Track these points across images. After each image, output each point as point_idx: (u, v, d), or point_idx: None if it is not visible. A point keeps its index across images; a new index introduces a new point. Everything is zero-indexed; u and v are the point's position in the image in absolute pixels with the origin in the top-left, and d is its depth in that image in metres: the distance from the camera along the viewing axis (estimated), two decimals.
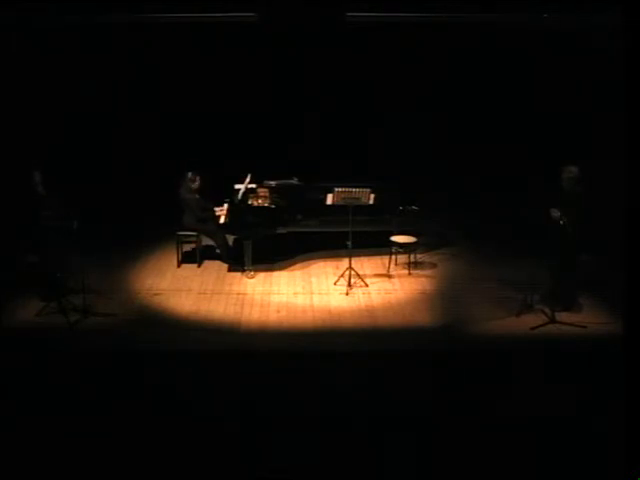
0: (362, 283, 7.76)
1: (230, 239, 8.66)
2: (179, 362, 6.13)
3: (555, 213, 6.69)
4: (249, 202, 8.39)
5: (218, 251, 8.50)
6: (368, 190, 7.52)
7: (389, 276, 8.14)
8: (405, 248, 8.15)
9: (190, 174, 8.17)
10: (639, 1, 5.02)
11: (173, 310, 7.21)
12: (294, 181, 8.81)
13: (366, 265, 8.44)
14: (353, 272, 7.74)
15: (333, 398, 5.50)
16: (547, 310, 6.93)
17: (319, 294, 7.63)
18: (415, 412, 5.33)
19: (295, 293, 7.67)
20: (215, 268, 8.36)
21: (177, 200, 8.19)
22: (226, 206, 8.43)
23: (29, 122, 8.92)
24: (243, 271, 8.11)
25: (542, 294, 7.19)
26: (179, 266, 8.38)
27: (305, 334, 6.71)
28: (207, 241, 8.56)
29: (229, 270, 8.28)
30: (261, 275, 8.14)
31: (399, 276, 8.13)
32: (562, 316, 6.86)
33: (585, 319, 6.91)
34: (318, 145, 9.82)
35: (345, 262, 7.92)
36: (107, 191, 9.24)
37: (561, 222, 6.63)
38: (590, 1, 7.79)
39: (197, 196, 8.22)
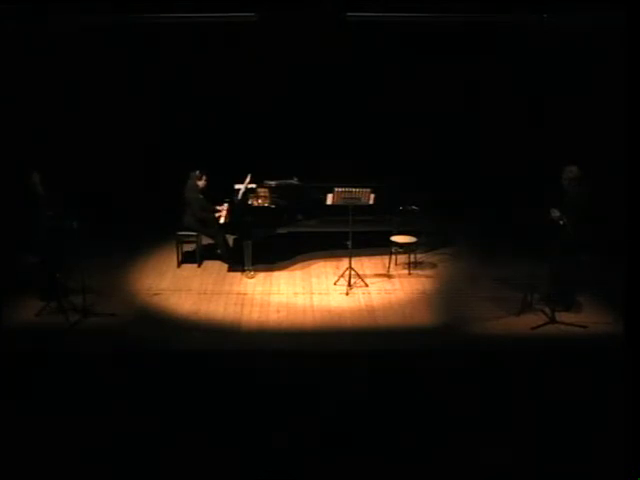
0: (362, 283, 7.76)
1: (230, 239, 8.67)
2: (179, 362, 6.13)
3: (555, 213, 6.69)
4: (249, 202, 8.39)
5: (218, 251, 8.51)
6: (368, 190, 7.51)
7: (389, 276, 8.14)
8: (405, 248, 8.15)
9: (197, 172, 8.18)
10: None
11: (173, 310, 7.21)
12: (294, 181, 8.81)
13: (366, 265, 8.44)
14: (353, 272, 7.74)
15: (333, 398, 5.50)
16: (547, 310, 6.93)
17: (319, 294, 7.62)
18: (415, 412, 5.33)
19: (295, 293, 7.67)
20: (215, 268, 8.36)
21: (179, 199, 8.19)
22: (226, 206, 8.43)
23: (28, 122, 8.93)
24: (243, 271, 8.11)
25: (542, 294, 7.19)
26: (179, 266, 8.38)
27: (305, 334, 6.71)
28: (207, 241, 8.56)
29: (229, 270, 8.28)
30: (261, 275, 8.14)
31: (399, 276, 8.13)
32: (562, 316, 6.86)
33: (585, 319, 6.91)
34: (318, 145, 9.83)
35: (345, 262, 7.92)
36: (107, 191, 9.24)
37: (561, 222, 6.64)
38: (592, 1, 7.79)
39: (201, 196, 8.23)
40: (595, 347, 6.40)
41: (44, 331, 6.67)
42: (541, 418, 5.23)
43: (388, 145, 10.00)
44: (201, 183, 8.22)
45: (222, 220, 8.23)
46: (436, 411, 5.35)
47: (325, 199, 7.56)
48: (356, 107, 9.92)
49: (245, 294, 7.62)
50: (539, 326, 6.74)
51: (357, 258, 8.20)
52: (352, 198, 7.52)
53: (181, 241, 8.39)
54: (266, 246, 8.32)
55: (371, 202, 7.55)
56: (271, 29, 9.08)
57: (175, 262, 8.39)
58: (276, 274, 8.23)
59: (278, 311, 7.20)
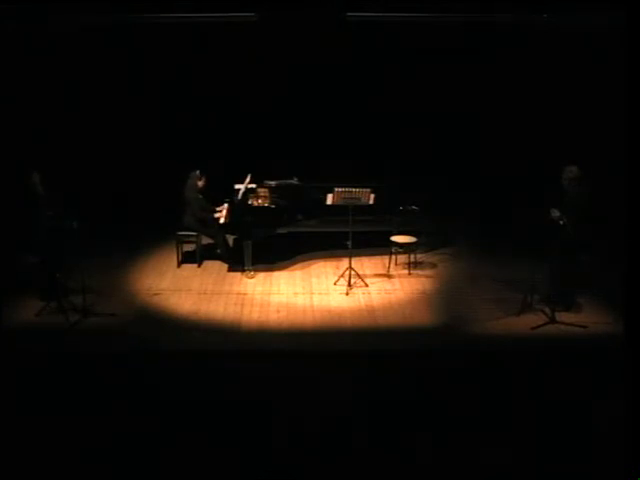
0: (362, 283, 7.76)
1: (230, 239, 8.67)
2: (179, 362, 6.13)
3: (555, 213, 6.70)
4: (249, 202, 8.39)
5: (218, 251, 8.51)
6: (368, 190, 7.51)
7: (389, 276, 8.14)
8: (405, 248, 8.15)
9: (197, 172, 8.20)
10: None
11: (173, 310, 7.21)
12: (294, 181, 8.81)
13: (366, 265, 8.44)
14: (353, 272, 7.74)
15: (333, 398, 5.50)
16: (547, 310, 6.93)
17: (319, 294, 7.62)
18: (415, 412, 5.33)
19: (295, 293, 7.67)
20: (215, 268, 8.36)
21: (179, 199, 8.19)
22: (226, 206, 8.43)
23: (28, 122, 8.93)
24: (243, 271, 8.11)
25: (542, 294, 7.19)
26: (179, 266, 8.38)
27: (305, 334, 6.71)
28: (207, 241, 8.56)
29: (229, 270, 8.28)
30: (261, 275, 8.14)
31: (399, 276, 8.13)
32: (562, 316, 6.86)
33: (585, 319, 6.91)
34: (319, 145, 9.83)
35: (345, 262, 7.92)
36: (107, 191, 9.25)
37: (561, 222, 6.64)
38: (591, 1, 7.80)
39: (200, 196, 8.24)
40: (595, 347, 6.40)
41: (44, 331, 6.67)
42: (541, 418, 5.23)
43: (388, 145, 9.99)
44: (201, 183, 8.23)
45: (222, 220, 8.23)
46: (436, 411, 5.35)
47: (325, 199, 7.56)
48: (356, 107, 9.91)
49: (245, 294, 7.62)
50: (539, 326, 6.74)
51: (357, 258, 8.20)
52: (352, 198, 7.52)
53: (181, 241, 8.39)
54: (266, 246, 8.32)
55: (371, 202, 7.55)
56: (271, 29, 9.08)
57: (175, 262, 8.39)
58: (276, 274, 8.23)
59: (278, 311, 7.20)
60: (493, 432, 5.10)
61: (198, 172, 8.21)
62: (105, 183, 9.30)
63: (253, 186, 8.58)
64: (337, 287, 7.77)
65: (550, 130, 9.33)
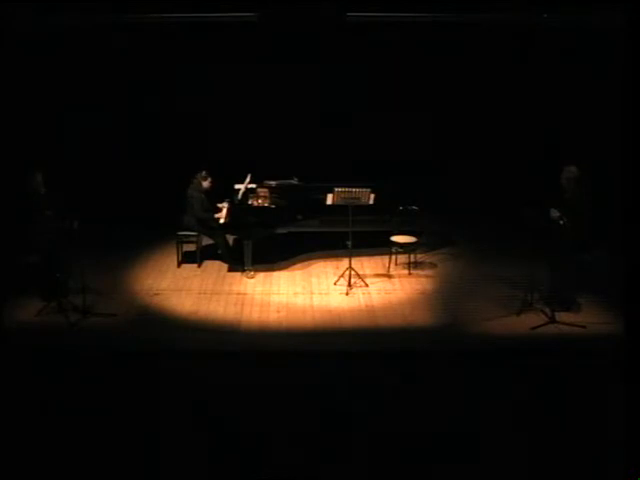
0: (362, 283, 7.76)
1: (230, 239, 8.67)
2: (179, 362, 6.13)
3: (555, 213, 6.70)
4: (249, 202, 8.39)
5: (219, 251, 8.51)
6: (368, 190, 7.52)
7: (389, 276, 8.14)
8: (405, 248, 8.15)
9: (203, 172, 8.20)
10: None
11: (173, 310, 7.21)
12: (294, 181, 8.81)
13: (366, 265, 8.44)
14: (353, 272, 7.74)
15: (333, 398, 5.50)
16: (547, 310, 6.93)
17: (319, 294, 7.62)
18: (414, 412, 5.34)
19: (295, 293, 7.67)
20: (215, 268, 8.36)
21: (179, 199, 8.19)
22: (226, 206, 8.43)
23: (29, 122, 8.93)
24: (243, 271, 8.11)
25: (542, 294, 7.19)
26: (179, 266, 8.38)
27: (305, 334, 6.71)
28: (207, 241, 8.56)
29: (229, 270, 8.28)
30: (261, 275, 8.14)
31: (399, 276, 8.13)
32: (562, 316, 6.86)
33: (585, 319, 6.90)
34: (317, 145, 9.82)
35: (345, 262, 7.92)
36: (107, 191, 9.25)
37: (561, 222, 6.64)
38: (591, 1, 7.81)
39: (203, 196, 8.24)
40: (595, 347, 6.40)
41: (44, 331, 6.67)
42: (541, 418, 5.23)
43: (388, 145, 9.98)
44: (205, 184, 8.24)
45: (222, 220, 8.23)
46: (436, 411, 5.35)
47: (325, 199, 7.56)
48: (355, 107, 9.90)
49: (245, 294, 7.62)
50: (539, 326, 6.74)
51: (357, 258, 8.20)
52: (352, 198, 7.52)
53: (181, 241, 8.39)
54: (266, 246, 8.32)
55: (371, 202, 7.56)
56: (271, 29, 9.08)
57: (175, 262, 8.39)
58: (276, 274, 8.23)
59: (278, 311, 7.20)
60: (493, 432, 5.09)
61: (204, 172, 8.22)
62: (105, 183, 9.30)
63: (253, 186, 8.58)
64: (337, 287, 7.77)
65: (550, 130, 9.33)
